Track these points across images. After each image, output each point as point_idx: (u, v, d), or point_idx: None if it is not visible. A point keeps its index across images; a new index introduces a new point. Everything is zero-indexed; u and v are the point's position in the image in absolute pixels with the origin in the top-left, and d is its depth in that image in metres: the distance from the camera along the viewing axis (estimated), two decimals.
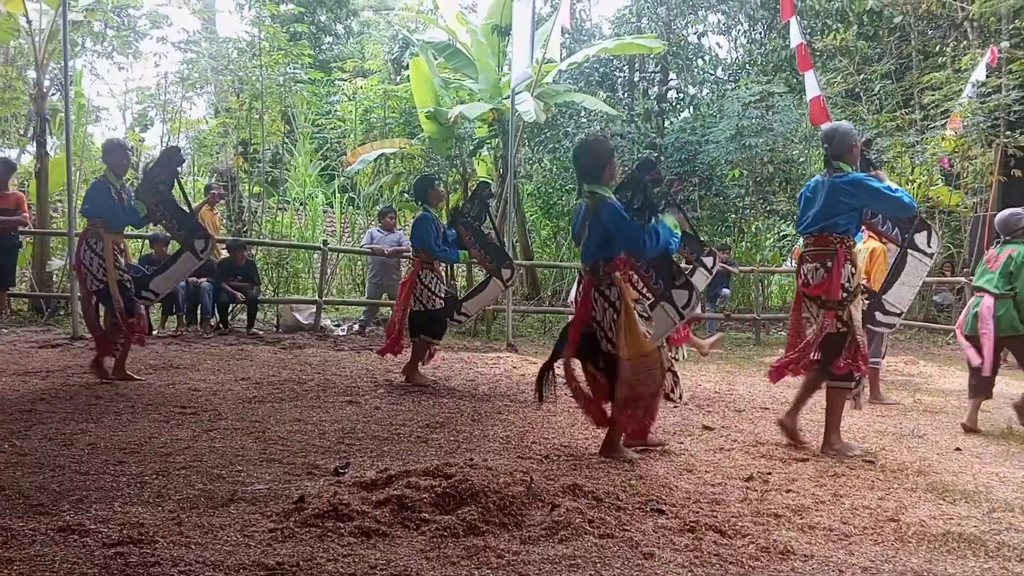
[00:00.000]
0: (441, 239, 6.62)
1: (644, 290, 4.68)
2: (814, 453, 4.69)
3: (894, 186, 4.79)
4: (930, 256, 5.05)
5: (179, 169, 6.39)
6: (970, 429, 5.65)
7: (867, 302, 5.02)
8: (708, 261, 7.16)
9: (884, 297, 5.06)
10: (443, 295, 6.71)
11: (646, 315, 4.42)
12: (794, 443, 4.85)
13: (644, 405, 4.31)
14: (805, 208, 4.84)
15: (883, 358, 7.05)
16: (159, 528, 2.86)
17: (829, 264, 4.66)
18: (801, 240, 5.00)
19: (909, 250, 5.01)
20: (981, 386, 5.81)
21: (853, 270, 4.70)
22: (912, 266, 5.01)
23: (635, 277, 4.62)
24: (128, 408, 5.15)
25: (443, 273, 6.92)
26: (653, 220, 4.41)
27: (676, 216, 6.96)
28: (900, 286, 5.04)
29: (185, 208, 6.38)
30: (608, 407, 4.38)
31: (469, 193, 7.02)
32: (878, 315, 5.06)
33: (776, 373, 4.91)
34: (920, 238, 5.00)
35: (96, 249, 6.15)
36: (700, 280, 7.42)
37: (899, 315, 5.12)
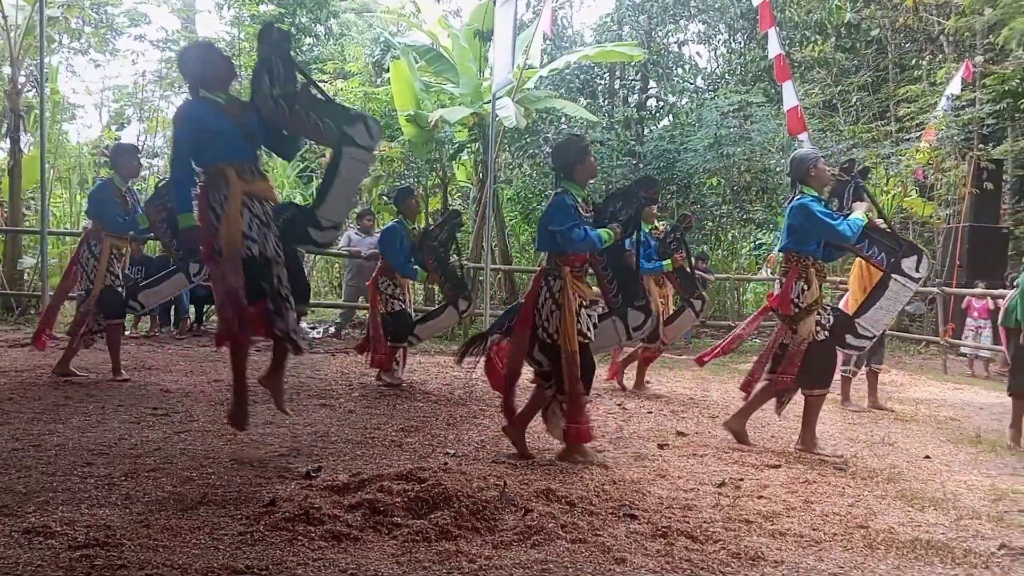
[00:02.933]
0: (405, 253, 6.68)
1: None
2: (786, 459, 4.73)
3: (861, 214, 4.91)
4: (916, 281, 5.03)
5: None
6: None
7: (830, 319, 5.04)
8: (697, 304, 7.24)
9: (858, 320, 5.03)
10: (405, 301, 6.79)
11: (592, 322, 4.46)
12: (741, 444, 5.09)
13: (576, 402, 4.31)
14: None
15: (881, 364, 7.35)
16: (126, 531, 2.83)
17: (783, 280, 4.96)
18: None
19: (893, 274, 4.98)
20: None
21: (805, 287, 4.87)
22: (894, 291, 4.97)
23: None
24: (98, 409, 5.09)
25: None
26: (632, 234, 4.53)
27: (679, 254, 7.09)
28: (877, 310, 5.01)
29: None
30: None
31: (446, 202, 7.05)
32: (849, 337, 5.05)
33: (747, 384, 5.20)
34: (908, 263, 4.95)
35: (94, 251, 6.16)
36: (687, 321, 7.50)
37: (871, 339, 5.10)
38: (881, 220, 5.33)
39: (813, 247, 4.93)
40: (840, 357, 5.06)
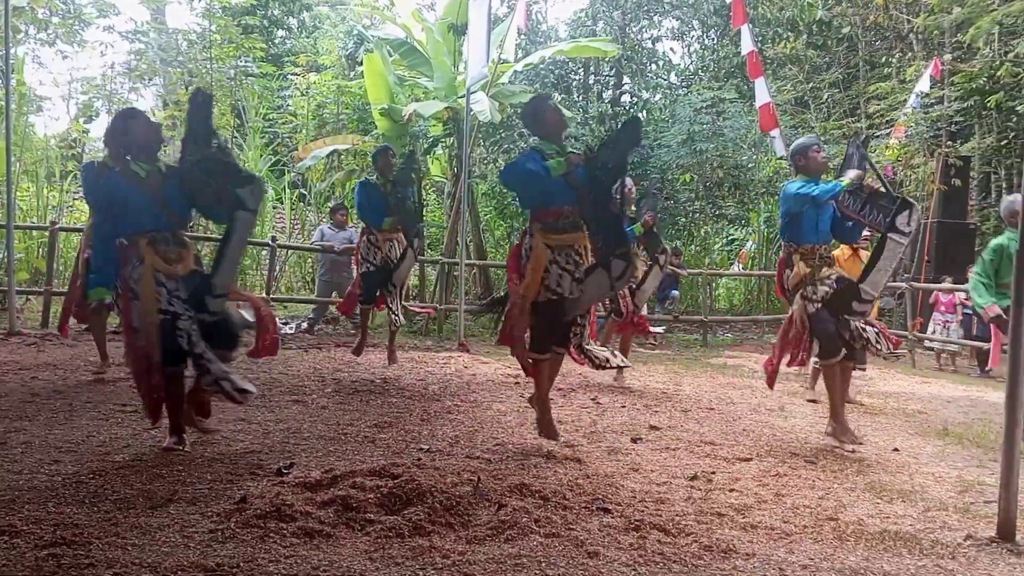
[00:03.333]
0: (374, 205, 6.97)
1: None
2: (758, 453, 4.77)
3: (845, 180, 5.01)
4: (907, 236, 4.98)
5: None
6: None
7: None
8: (661, 259, 7.32)
9: (861, 285, 5.06)
10: (375, 261, 7.02)
11: (579, 278, 4.35)
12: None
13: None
14: None
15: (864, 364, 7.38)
16: (94, 529, 2.79)
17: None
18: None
19: (888, 233, 4.95)
20: None
21: (789, 272, 5.14)
22: (890, 249, 4.94)
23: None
24: (65, 406, 5.01)
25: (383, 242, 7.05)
26: (617, 180, 4.38)
27: (649, 215, 7.17)
28: (876, 272, 5.00)
29: None
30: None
31: (420, 197, 7.18)
32: (855, 304, 5.06)
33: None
34: (901, 219, 4.93)
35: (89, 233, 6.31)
36: (654, 279, 7.55)
37: (871, 302, 5.19)
38: (878, 183, 5.30)
39: (791, 233, 5.14)
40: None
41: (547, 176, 4.26)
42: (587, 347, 4.54)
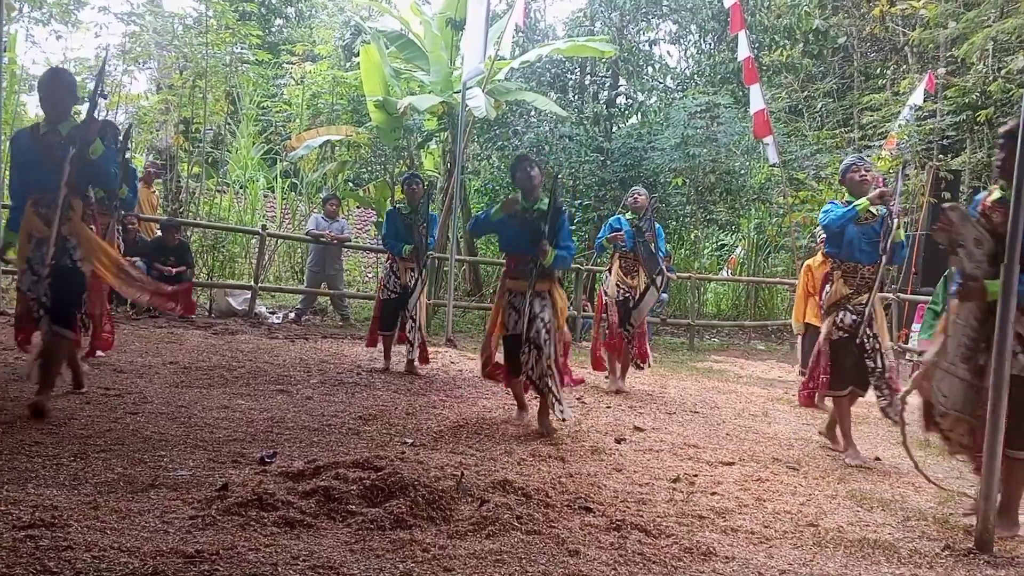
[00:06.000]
0: (396, 232, 7.10)
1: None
2: (740, 458, 4.79)
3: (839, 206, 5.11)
4: None
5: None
6: None
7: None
8: (658, 280, 7.36)
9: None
10: (395, 289, 7.10)
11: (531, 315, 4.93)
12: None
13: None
14: None
15: None
16: (74, 512, 2.77)
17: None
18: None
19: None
20: None
21: (829, 288, 5.16)
22: None
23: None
24: None
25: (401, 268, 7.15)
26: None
27: (648, 235, 7.22)
28: None
29: None
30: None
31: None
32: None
33: None
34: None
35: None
36: (650, 299, 7.57)
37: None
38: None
39: (832, 249, 5.17)
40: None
41: (489, 219, 5.20)
42: (535, 379, 4.93)
